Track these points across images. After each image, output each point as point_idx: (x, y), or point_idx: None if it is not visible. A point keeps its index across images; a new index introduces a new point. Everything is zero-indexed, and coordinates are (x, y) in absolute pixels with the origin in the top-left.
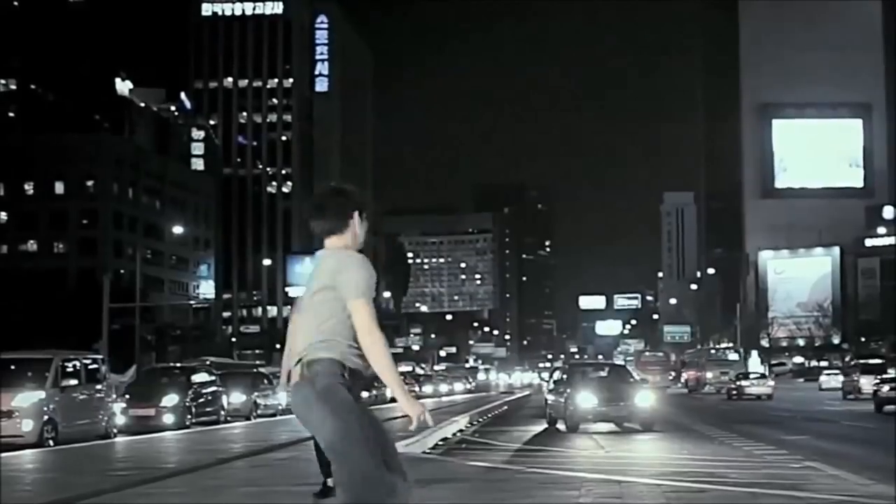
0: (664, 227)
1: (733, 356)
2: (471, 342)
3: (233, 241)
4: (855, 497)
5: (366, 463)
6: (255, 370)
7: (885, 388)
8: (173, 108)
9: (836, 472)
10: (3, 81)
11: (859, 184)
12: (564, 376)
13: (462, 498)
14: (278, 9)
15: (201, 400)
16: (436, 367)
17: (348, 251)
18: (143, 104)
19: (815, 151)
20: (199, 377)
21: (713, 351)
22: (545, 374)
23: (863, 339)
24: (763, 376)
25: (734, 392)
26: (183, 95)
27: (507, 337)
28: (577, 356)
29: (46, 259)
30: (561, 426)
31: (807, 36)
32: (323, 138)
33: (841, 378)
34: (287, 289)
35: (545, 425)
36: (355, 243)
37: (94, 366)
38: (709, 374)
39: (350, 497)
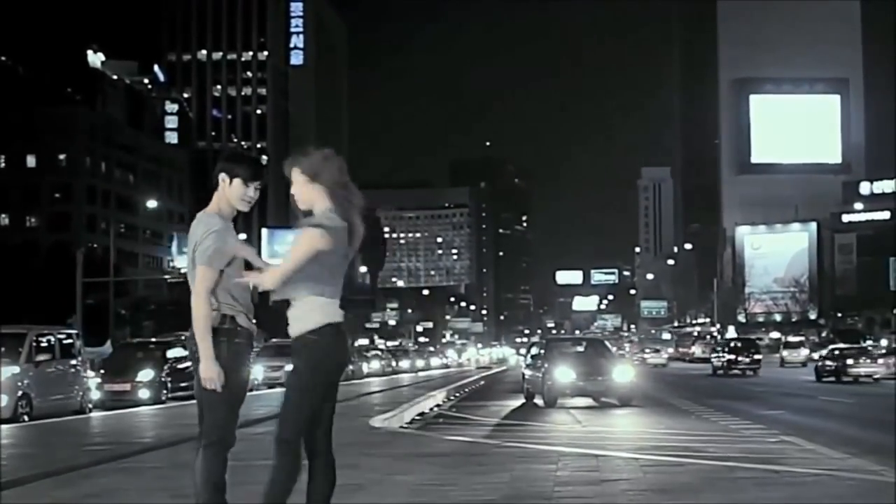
0: (641, 203)
1: (666, 336)
2: (447, 317)
3: None
4: (831, 471)
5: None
6: None
7: (715, 360)
8: (146, 80)
9: (813, 446)
10: None
11: (837, 159)
12: (542, 351)
13: (439, 472)
14: None
15: (177, 375)
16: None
17: (208, 213)
18: (115, 77)
19: (792, 127)
20: (174, 352)
21: (653, 331)
22: (524, 350)
23: (839, 315)
24: (657, 351)
25: (637, 362)
26: (156, 68)
27: (484, 312)
28: (553, 331)
29: (18, 233)
30: (539, 401)
31: (784, 11)
32: (298, 112)
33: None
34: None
35: (522, 400)
36: (225, 205)
37: (69, 341)
38: (647, 350)
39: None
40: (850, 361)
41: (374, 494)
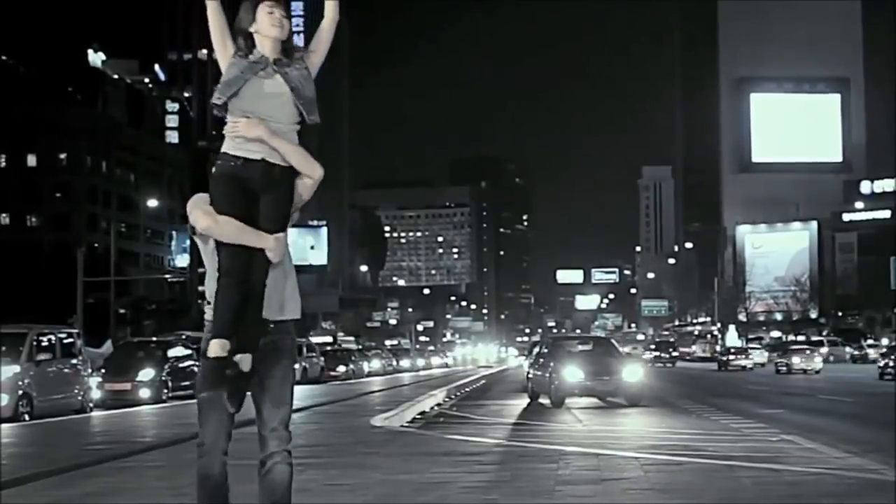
0: (642, 201)
1: (640, 336)
2: (448, 316)
3: None
4: (831, 470)
5: None
6: None
7: (646, 356)
8: (147, 80)
9: (813, 445)
10: None
11: (837, 158)
12: (545, 350)
13: (440, 471)
14: None
15: (178, 374)
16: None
17: None
18: (116, 76)
19: (792, 126)
20: (175, 351)
21: (632, 330)
22: (527, 350)
23: (840, 314)
24: (634, 349)
25: None
26: (157, 67)
27: (485, 311)
28: (554, 330)
29: (19, 233)
30: (545, 401)
31: (785, 10)
32: None
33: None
34: None
35: (527, 400)
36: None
37: (69, 340)
38: (625, 349)
39: None
40: (731, 357)
41: (375, 494)
